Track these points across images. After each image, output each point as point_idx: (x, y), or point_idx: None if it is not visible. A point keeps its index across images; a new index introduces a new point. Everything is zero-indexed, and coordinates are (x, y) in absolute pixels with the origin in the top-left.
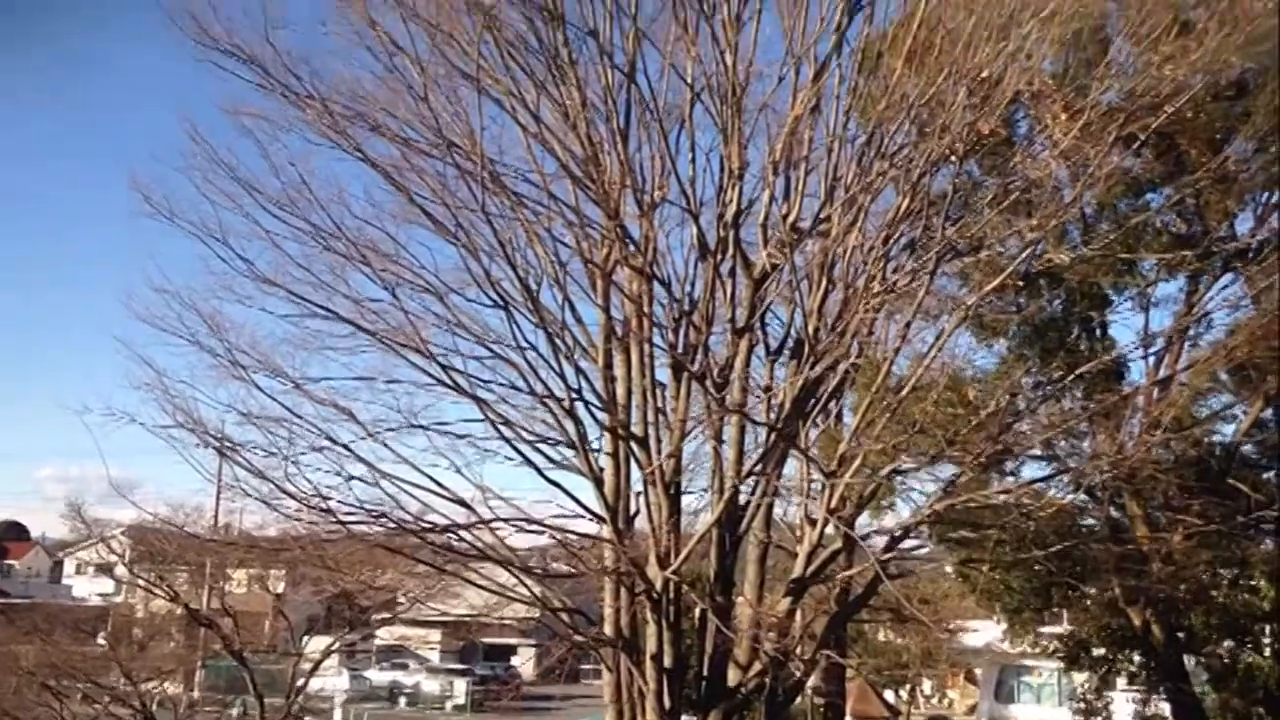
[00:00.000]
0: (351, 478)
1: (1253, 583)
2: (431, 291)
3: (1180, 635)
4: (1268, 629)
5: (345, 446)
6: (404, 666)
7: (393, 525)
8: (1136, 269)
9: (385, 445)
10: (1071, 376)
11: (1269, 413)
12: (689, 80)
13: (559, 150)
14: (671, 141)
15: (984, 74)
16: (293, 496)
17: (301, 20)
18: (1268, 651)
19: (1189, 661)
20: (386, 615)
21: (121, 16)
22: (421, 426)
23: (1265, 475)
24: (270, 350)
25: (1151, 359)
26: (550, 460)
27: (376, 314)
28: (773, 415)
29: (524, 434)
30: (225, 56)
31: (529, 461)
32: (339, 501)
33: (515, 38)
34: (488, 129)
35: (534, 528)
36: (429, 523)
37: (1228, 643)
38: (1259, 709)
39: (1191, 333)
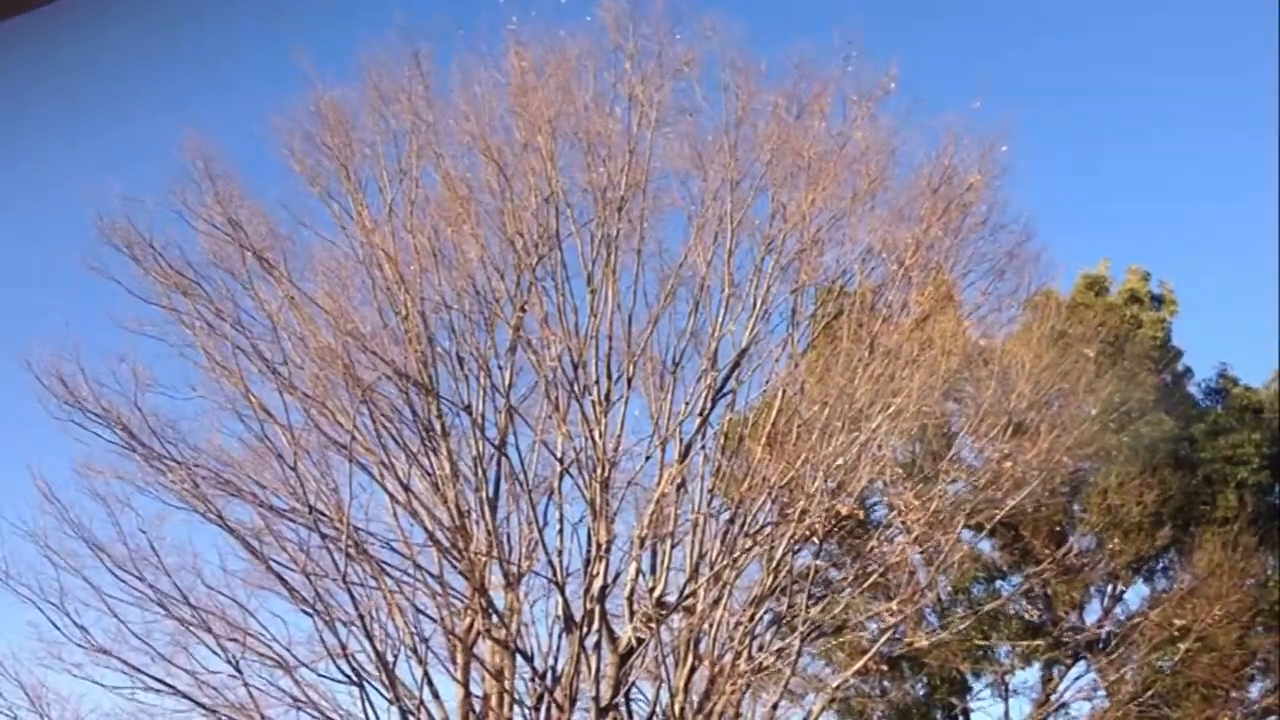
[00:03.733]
0: None
1: None
2: (280, 665)
3: None
4: None
5: None
6: None
7: None
8: (993, 655)
9: None
10: None
11: None
12: (559, 455)
13: (426, 519)
14: (540, 513)
15: (839, 461)
16: None
17: (172, 384)
18: None
19: None
20: None
21: None
22: None
23: None
24: None
25: None
26: None
27: (216, 689)
28: None
29: None
30: (90, 418)
31: None
32: None
33: (390, 409)
34: (355, 498)
35: None
36: None
37: None
38: None
39: None
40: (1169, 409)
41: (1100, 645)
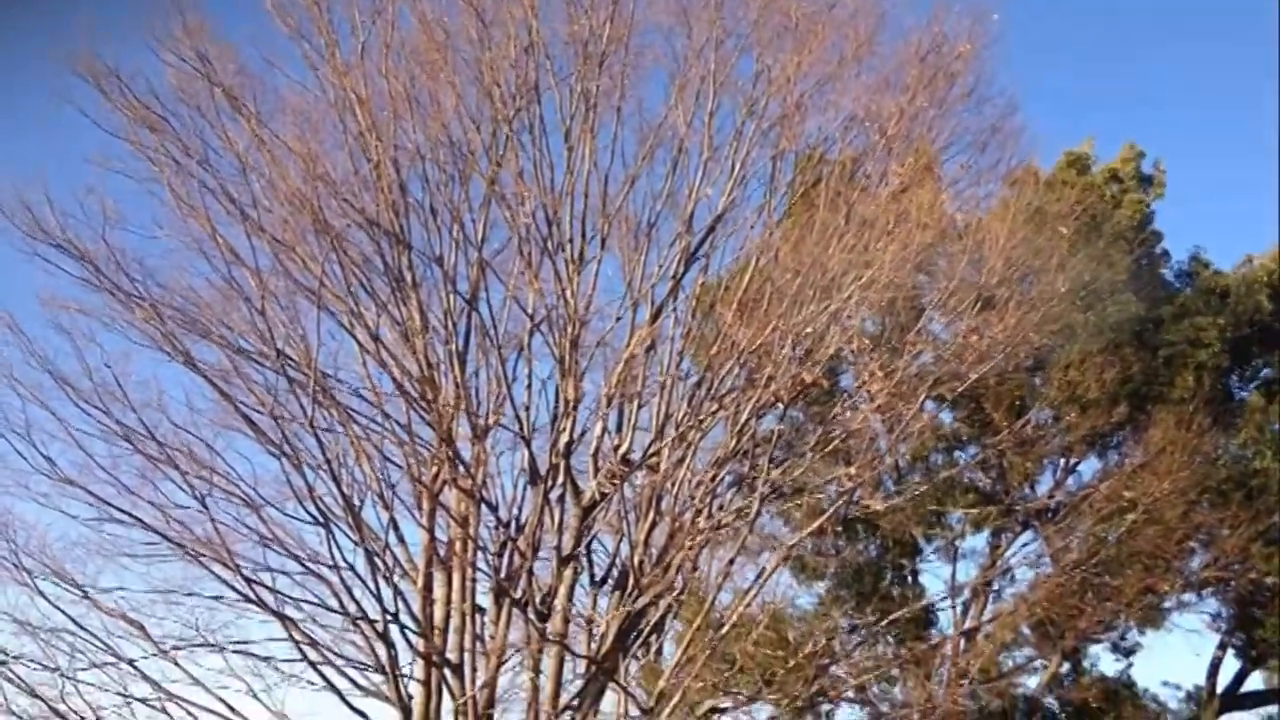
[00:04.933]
0: (135, 699)
1: None
2: (247, 503)
3: None
4: None
5: (131, 664)
6: None
7: None
8: (945, 521)
9: (176, 664)
10: (885, 622)
11: (1067, 667)
12: (529, 312)
13: (395, 369)
14: (509, 368)
15: (808, 330)
16: (64, 718)
17: (140, 222)
18: None
19: None
20: None
21: None
22: (219, 646)
23: None
24: (61, 555)
25: (959, 609)
26: (357, 686)
27: (183, 523)
28: (594, 647)
29: (331, 657)
30: (56, 251)
31: (333, 687)
32: None
33: (360, 258)
34: (324, 345)
35: None
36: None
37: None
38: None
39: (995, 586)
40: (1138, 290)
41: (1049, 515)
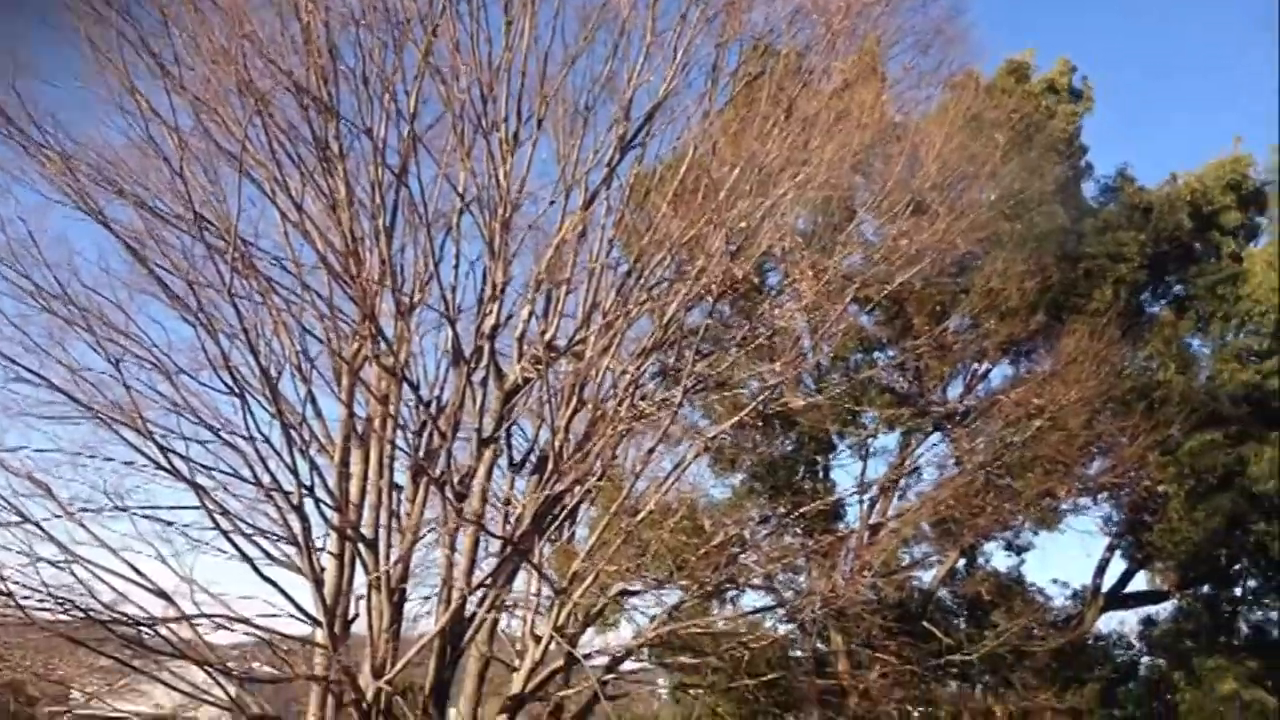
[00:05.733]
0: (40, 559)
1: None
2: (159, 369)
3: None
4: None
5: (37, 525)
6: None
7: (80, 614)
8: (860, 420)
9: (83, 526)
10: (795, 514)
11: (963, 564)
12: (460, 191)
13: (319, 241)
14: (437, 247)
15: (742, 224)
16: None
17: (54, 73)
18: None
19: None
20: (58, 710)
21: None
22: (127, 509)
23: (956, 622)
24: None
25: (866, 505)
26: (268, 556)
27: (94, 386)
28: (509, 528)
29: (243, 526)
30: None
31: (244, 556)
32: (21, 584)
33: (286, 124)
34: (245, 211)
35: (239, 626)
36: (121, 614)
37: None
38: None
39: (902, 484)
40: (1064, 202)
41: (959, 418)
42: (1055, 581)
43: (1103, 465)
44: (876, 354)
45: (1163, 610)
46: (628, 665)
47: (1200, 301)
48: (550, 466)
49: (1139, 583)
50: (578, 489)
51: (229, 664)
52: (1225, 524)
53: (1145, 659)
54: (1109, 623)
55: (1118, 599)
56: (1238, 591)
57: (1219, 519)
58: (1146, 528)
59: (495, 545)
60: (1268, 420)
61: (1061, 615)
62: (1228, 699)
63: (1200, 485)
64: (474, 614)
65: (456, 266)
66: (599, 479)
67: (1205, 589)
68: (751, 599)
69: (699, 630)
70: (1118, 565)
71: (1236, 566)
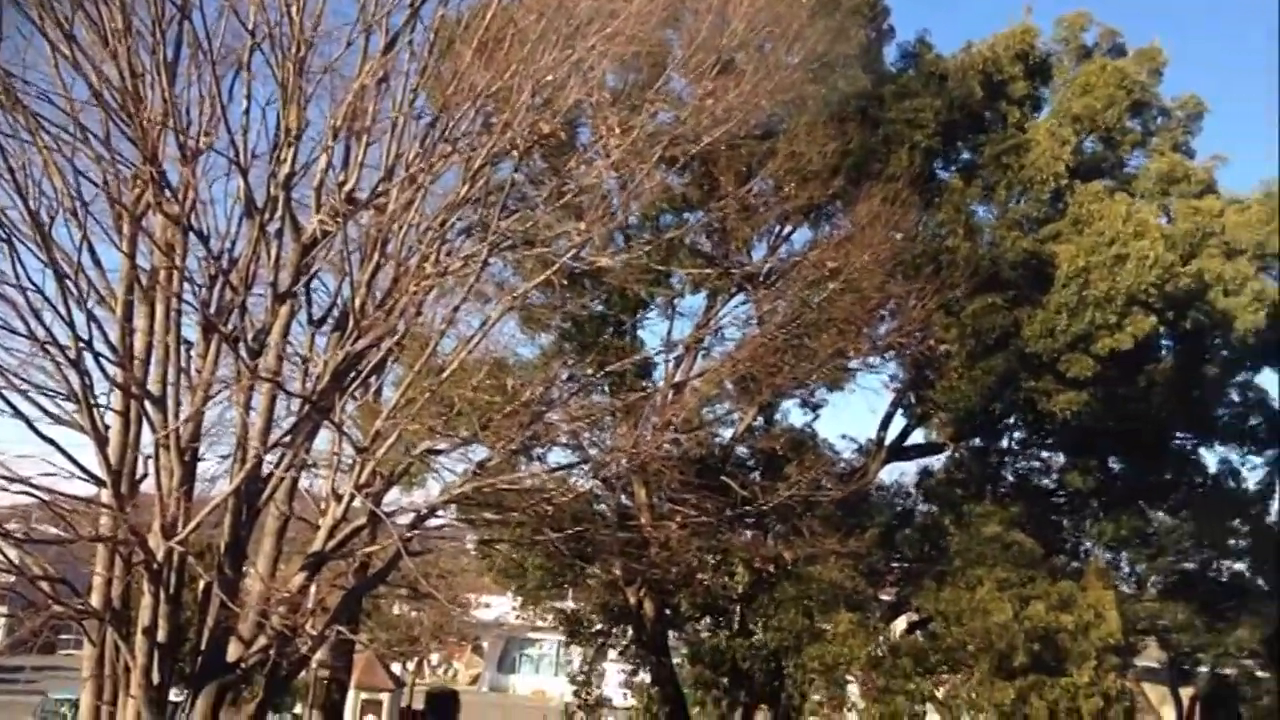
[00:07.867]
0: None
1: (732, 569)
2: None
3: (667, 613)
4: (738, 610)
5: None
6: None
7: None
8: (667, 280)
9: None
10: (602, 373)
11: (760, 420)
12: (250, 27)
13: (93, 75)
14: (225, 87)
15: (549, 77)
16: None
17: None
18: (736, 629)
19: (672, 637)
20: None
21: None
22: None
23: (752, 475)
24: None
25: (672, 364)
26: (47, 414)
27: None
28: (309, 386)
29: (17, 382)
30: None
31: (19, 413)
32: None
33: None
34: (8, 39)
35: (17, 486)
36: None
37: (706, 620)
38: (724, 679)
39: (706, 343)
40: (866, 67)
41: (761, 279)
42: (844, 436)
43: (891, 326)
44: (685, 215)
45: (938, 461)
46: (433, 521)
47: (987, 170)
48: (351, 323)
49: (918, 436)
50: (381, 346)
51: (8, 525)
52: (999, 382)
53: (921, 506)
54: (890, 474)
55: (899, 451)
56: (1005, 444)
57: (993, 377)
58: (929, 385)
59: (295, 404)
60: (1042, 284)
61: (848, 468)
62: (991, 540)
63: (979, 345)
64: (271, 474)
65: (247, 110)
66: (402, 336)
67: (977, 441)
68: (558, 455)
69: (505, 487)
70: (900, 420)
71: (1007, 421)
